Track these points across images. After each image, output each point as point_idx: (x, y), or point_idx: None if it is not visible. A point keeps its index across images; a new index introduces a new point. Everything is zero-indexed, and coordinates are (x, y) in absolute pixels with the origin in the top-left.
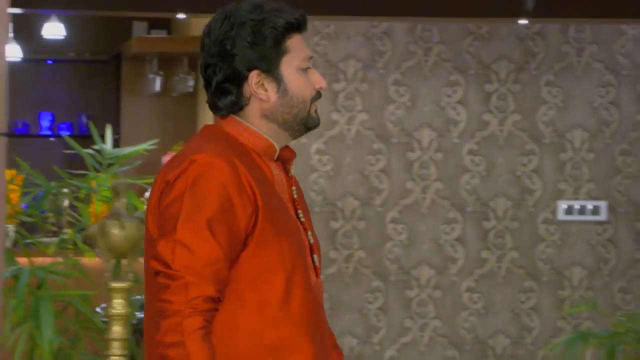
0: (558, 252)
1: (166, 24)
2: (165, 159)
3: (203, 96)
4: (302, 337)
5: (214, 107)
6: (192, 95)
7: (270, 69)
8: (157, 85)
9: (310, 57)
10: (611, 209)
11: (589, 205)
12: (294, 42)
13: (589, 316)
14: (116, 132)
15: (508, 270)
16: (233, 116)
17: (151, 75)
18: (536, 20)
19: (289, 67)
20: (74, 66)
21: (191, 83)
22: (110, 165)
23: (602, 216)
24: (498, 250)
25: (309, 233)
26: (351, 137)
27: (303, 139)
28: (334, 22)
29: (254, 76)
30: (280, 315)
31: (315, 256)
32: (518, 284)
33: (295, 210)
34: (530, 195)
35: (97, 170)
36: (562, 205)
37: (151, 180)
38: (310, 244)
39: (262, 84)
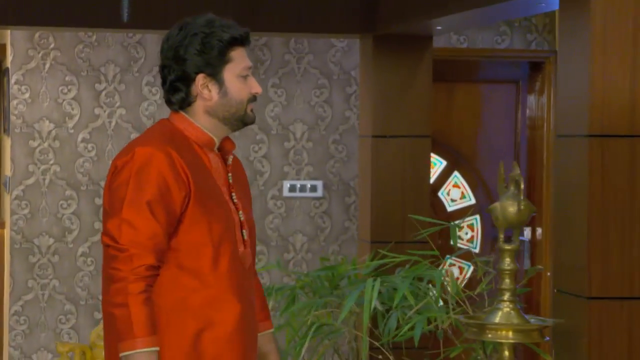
0: (284, 222)
1: None
2: None
3: None
4: (230, 296)
5: (168, 102)
6: None
7: (214, 74)
8: None
9: (250, 67)
10: (326, 187)
11: (309, 184)
12: (237, 54)
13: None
14: None
15: None
16: (182, 112)
17: None
18: (264, 35)
19: (230, 73)
20: None
21: None
22: None
23: (319, 193)
24: None
25: (240, 212)
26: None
27: (71, 130)
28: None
29: (200, 78)
30: (211, 279)
31: (244, 231)
32: None
33: (230, 193)
34: (261, 176)
35: None
36: (287, 184)
37: None
38: (241, 221)
39: (207, 86)
